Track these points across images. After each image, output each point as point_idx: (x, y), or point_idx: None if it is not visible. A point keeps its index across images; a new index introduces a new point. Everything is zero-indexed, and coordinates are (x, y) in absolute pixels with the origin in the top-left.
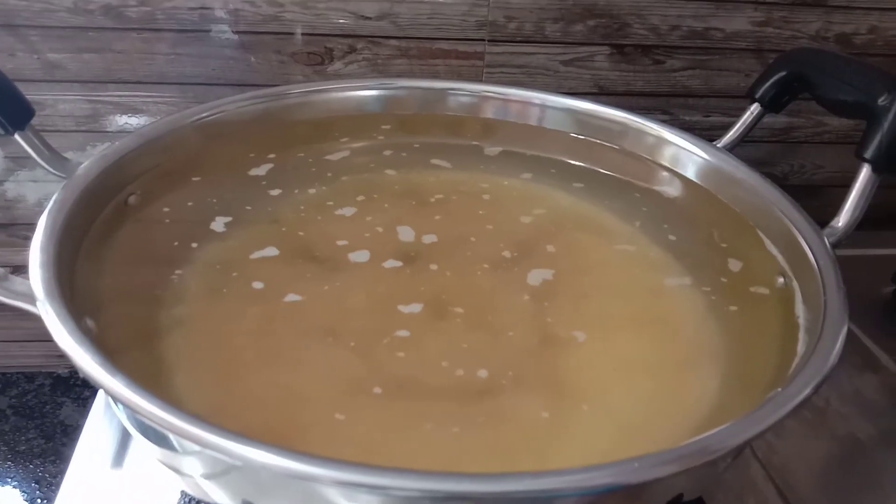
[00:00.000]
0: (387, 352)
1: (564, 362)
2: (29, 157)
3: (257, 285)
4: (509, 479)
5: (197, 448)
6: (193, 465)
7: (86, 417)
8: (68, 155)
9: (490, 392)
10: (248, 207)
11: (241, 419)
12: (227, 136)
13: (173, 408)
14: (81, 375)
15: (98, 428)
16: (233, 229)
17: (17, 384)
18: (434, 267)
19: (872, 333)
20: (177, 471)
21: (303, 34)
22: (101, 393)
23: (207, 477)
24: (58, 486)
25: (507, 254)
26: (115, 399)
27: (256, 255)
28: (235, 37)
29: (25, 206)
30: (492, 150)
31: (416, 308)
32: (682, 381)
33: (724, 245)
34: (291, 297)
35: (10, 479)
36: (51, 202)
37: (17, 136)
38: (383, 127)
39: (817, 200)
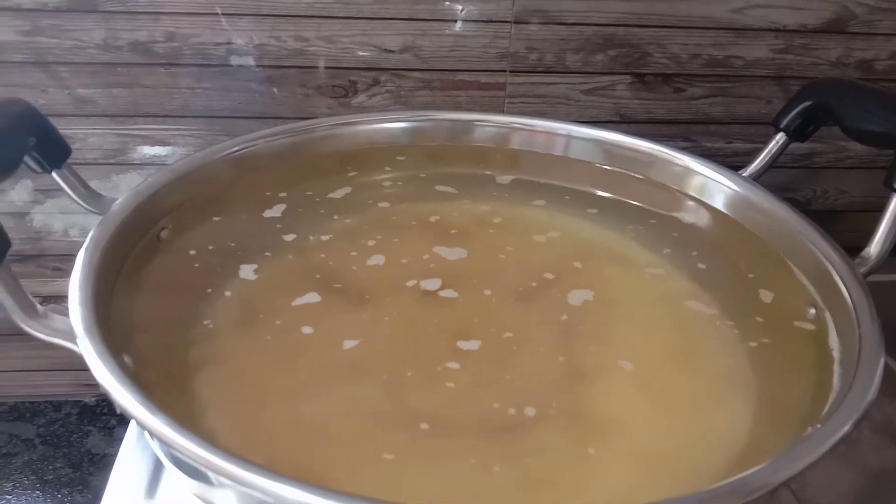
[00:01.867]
0: (429, 388)
1: (601, 396)
2: (59, 189)
3: (281, 317)
4: None
5: (232, 484)
6: (228, 499)
7: (115, 447)
8: (93, 184)
9: (531, 426)
10: (268, 253)
11: (275, 454)
12: (256, 170)
13: (212, 446)
14: (119, 412)
15: (131, 458)
16: (261, 272)
17: (45, 413)
18: (466, 298)
19: None
20: None
21: (327, 67)
22: (132, 423)
23: None
24: None
25: (534, 284)
26: (155, 436)
27: (279, 284)
28: (260, 70)
29: (53, 236)
30: (504, 178)
31: (464, 343)
32: (716, 416)
33: (753, 275)
34: (346, 342)
35: None
36: (87, 239)
37: (54, 175)
38: (399, 158)
39: (840, 225)
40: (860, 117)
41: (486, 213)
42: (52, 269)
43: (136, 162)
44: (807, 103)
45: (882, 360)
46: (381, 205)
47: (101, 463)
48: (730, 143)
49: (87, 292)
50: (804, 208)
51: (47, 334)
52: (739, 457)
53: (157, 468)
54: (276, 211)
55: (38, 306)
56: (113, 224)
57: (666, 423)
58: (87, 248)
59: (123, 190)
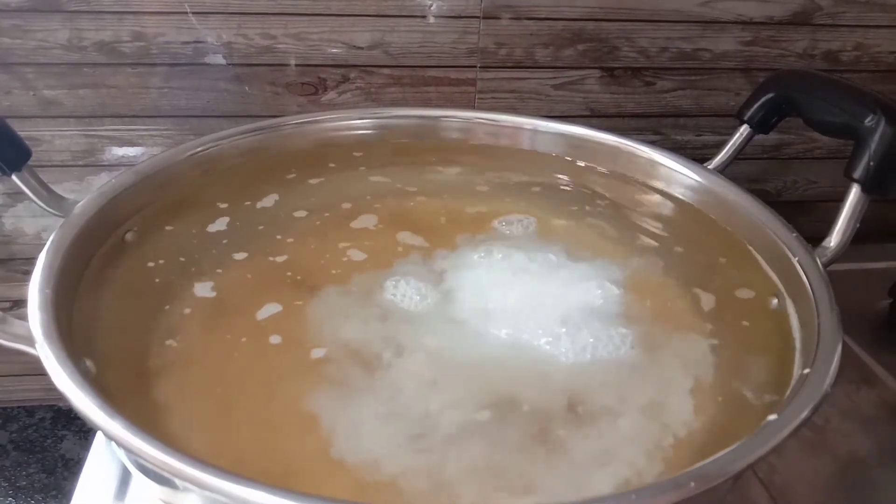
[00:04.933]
0: (398, 387)
1: (565, 386)
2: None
3: (245, 326)
4: None
5: (196, 488)
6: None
7: (87, 450)
8: (66, 186)
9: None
10: (219, 270)
11: (240, 456)
12: (221, 170)
13: (174, 451)
14: (81, 417)
15: (100, 462)
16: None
17: (18, 419)
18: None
19: (869, 348)
20: None
21: (296, 65)
22: None
23: None
24: None
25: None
26: (116, 442)
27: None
28: (229, 69)
29: (24, 240)
30: (453, 170)
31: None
32: (680, 404)
33: (718, 265)
34: (314, 350)
35: None
36: (48, 242)
37: (14, 178)
38: (355, 154)
39: (811, 216)
40: (820, 108)
41: (438, 205)
42: (21, 272)
43: (106, 163)
44: (769, 95)
45: (839, 348)
46: (343, 205)
47: (76, 468)
48: (699, 135)
49: (46, 296)
50: (774, 199)
51: (7, 339)
52: (704, 445)
53: (126, 473)
54: (220, 224)
55: None
56: (75, 227)
57: (631, 413)
58: (47, 252)
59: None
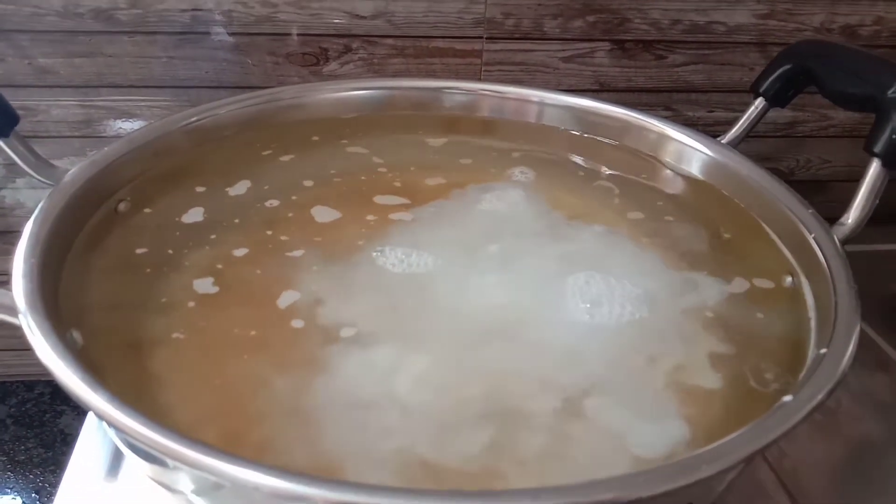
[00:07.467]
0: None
1: (572, 364)
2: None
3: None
4: (508, 496)
5: (186, 467)
6: (184, 482)
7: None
8: (65, 161)
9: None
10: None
11: (230, 432)
12: (216, 140)
13: (158, 426)
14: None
15: (93, 438)
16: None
17: (17, 393)
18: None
19: (883, 331)
20: (167, 487)
21: (297, 35)
22: None
23: (198, 493)
24: None
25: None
26: (100, 417)
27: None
28: (229, 38)
29: (22, 212)
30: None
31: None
32: (691, 384)
33: (730, 242)
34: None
35: (9, 490)
36: (36, 210)
37: (1, 143)
38: (348, 115)
39: (824, 195)
40: (840, 79)
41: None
42: None
43: (105, 135)
44: (786, 66)
45: (857, 328)
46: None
47: (74, 442)
48: (711, 111)
49: (32, 265)
50: (787, 178)
51: None
52: (715, 426)
53: (119, 450)
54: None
55: None
56: (65, 195)
57: (640, 393)
58: (35, 220)
59: None
